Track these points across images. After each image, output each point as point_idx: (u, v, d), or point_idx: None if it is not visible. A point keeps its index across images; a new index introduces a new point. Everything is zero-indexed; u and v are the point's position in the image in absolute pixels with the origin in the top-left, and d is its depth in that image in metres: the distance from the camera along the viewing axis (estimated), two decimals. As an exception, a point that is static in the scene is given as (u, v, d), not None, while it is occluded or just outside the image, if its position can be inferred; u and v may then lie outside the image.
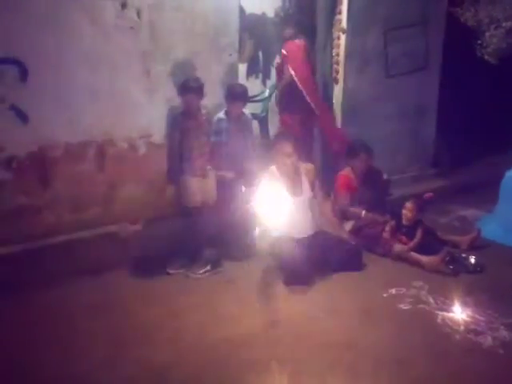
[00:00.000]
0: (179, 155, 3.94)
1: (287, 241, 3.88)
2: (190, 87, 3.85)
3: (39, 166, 3.72)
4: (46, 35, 3.58)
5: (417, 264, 4.03)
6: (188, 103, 3.90)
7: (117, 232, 3.97)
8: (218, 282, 3.80)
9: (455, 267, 3.97)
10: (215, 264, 3.96)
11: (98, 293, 3.56)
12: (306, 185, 4.03)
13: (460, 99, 6.07)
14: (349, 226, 4.43)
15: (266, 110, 6.77)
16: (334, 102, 5.22)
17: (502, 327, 3.18)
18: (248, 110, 4.38)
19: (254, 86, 7.10)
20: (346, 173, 4.52)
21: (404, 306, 3.46)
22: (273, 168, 3.99)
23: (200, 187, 3.94)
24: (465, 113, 6.22)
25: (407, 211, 4.24)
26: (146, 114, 4.09)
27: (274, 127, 6.65)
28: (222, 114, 4.20)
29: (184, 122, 3.94)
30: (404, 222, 4.26)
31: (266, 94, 6.80)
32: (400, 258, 4.11)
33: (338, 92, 5.16)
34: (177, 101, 4.02)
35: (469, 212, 5.18)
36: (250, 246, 4.23)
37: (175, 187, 4.00)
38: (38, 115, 3.65)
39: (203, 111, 4.03)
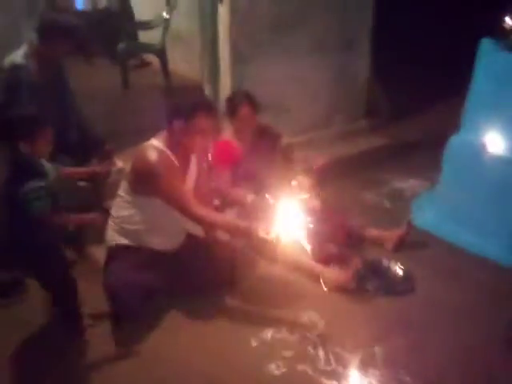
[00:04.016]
0: None
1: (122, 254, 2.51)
2: None
3: None
4: None
5: (313, 278, 2.73)
6: None
7: None
8: (6, 325, 2.46)
9: (372, 284, 2.69)
10: (6, 292, 2.64)
11: None
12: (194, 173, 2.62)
13: (402, 27, 5.15)
14: (231, 215, 3.13)
15: (163, 39, 5.50)
16: (219, 30, 3.70)
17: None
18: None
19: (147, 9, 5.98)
20: (226, 138, 3.16)
21: (276, 370, 2.16)
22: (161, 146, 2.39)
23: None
24: (408, 46, 5.21)
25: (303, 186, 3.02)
26: None
27: (173, 62, 5.57)
28: (19, 57, 2.86)
29: None
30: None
31: (164, 14, 5.52)
32: (292, 267, 2.80)
33: (224, 15, 3.63)
34: None
35: (407, 184, 3.85)
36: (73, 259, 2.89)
37: None
38: None
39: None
